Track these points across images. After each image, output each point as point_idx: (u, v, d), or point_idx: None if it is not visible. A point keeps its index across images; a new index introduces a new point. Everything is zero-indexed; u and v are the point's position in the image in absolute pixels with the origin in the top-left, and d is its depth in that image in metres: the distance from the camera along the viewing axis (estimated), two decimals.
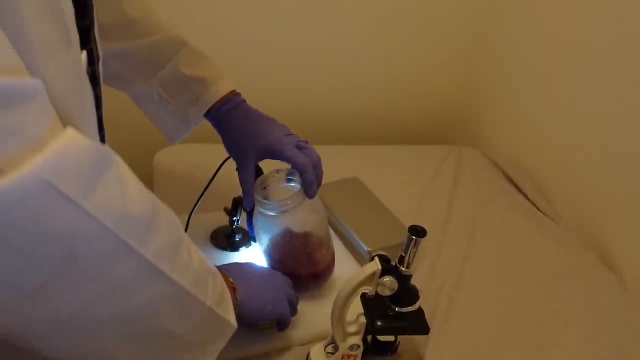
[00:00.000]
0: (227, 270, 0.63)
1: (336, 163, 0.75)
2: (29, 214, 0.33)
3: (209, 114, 0.77)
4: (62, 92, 0.39)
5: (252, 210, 0.78)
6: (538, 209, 1.13)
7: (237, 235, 0.86)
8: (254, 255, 0.85)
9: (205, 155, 1.10)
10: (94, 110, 0.48)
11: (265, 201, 0.73)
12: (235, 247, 0.85)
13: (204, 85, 0.75)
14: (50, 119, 0.36)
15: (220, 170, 0.80)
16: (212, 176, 0.80)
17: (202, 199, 0.81)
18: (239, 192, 0.81)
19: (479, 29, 1.36)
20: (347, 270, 0.82)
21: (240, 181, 0.74)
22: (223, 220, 0.85)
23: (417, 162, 1.25)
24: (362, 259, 0.88)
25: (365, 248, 0.87)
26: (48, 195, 0.34)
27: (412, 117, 1.48)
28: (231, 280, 0.61)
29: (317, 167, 0.72)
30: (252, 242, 0.86)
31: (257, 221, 0.76)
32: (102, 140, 0.55)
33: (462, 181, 1.18)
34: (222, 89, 0.75)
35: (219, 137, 0.90)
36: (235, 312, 0.57)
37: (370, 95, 1.41)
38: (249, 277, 0.65)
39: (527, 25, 1.27)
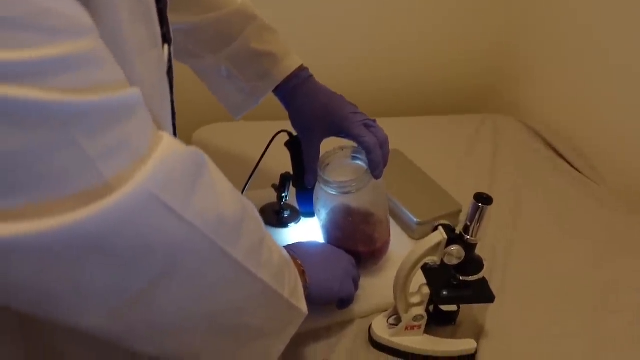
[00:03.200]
0: (294, 252, 0.62)
1: None
2: (135, 226, 0.33)
3: (276, 89, 0.75)
4: (149, 93, 0.39)
5: (302, 186, 0.77)
6: (580, 173, 1.11)
7: (285, 212, 0.85)
8: (303, 231, 0.84)
9: (241, 133, 1.10)
10: (169, 103, 0.47)
11: (331, 180, 0.71)
12: (284, 223, 0.85)
13: (273, 61, 0.73)
14: (149, 126, 0.36)
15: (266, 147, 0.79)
16: (261, 153, 0.79)
17: (252, 176, 0.80)
18: (285, 168, 0.80)
19: None
20: (396, 242, 0.82)
21: (304, 158, 0.73)
22: (271, 196, 0.84)
23: (452, 131, 1.23)
24: (410, 231, 0.87)
25: (414, 219, 0.86)
26: (153, 207, 0.34)
27: (445, 87, 1.45)
28: (299, 262, 0.61)
29: (383, 146, 0.70)
30: (302, 218, 0.85)
31: (318, 197, 0.75)
32: (174, 125, 0.53)
33: (500, 148, 1.16)
34: (291, 65, 0.73)
35: (254, 115, 0.88)
36: (305, 295, 0.57)
37: (401, 66, 1.38)
38: (316, 259, 0.65)
39: None
